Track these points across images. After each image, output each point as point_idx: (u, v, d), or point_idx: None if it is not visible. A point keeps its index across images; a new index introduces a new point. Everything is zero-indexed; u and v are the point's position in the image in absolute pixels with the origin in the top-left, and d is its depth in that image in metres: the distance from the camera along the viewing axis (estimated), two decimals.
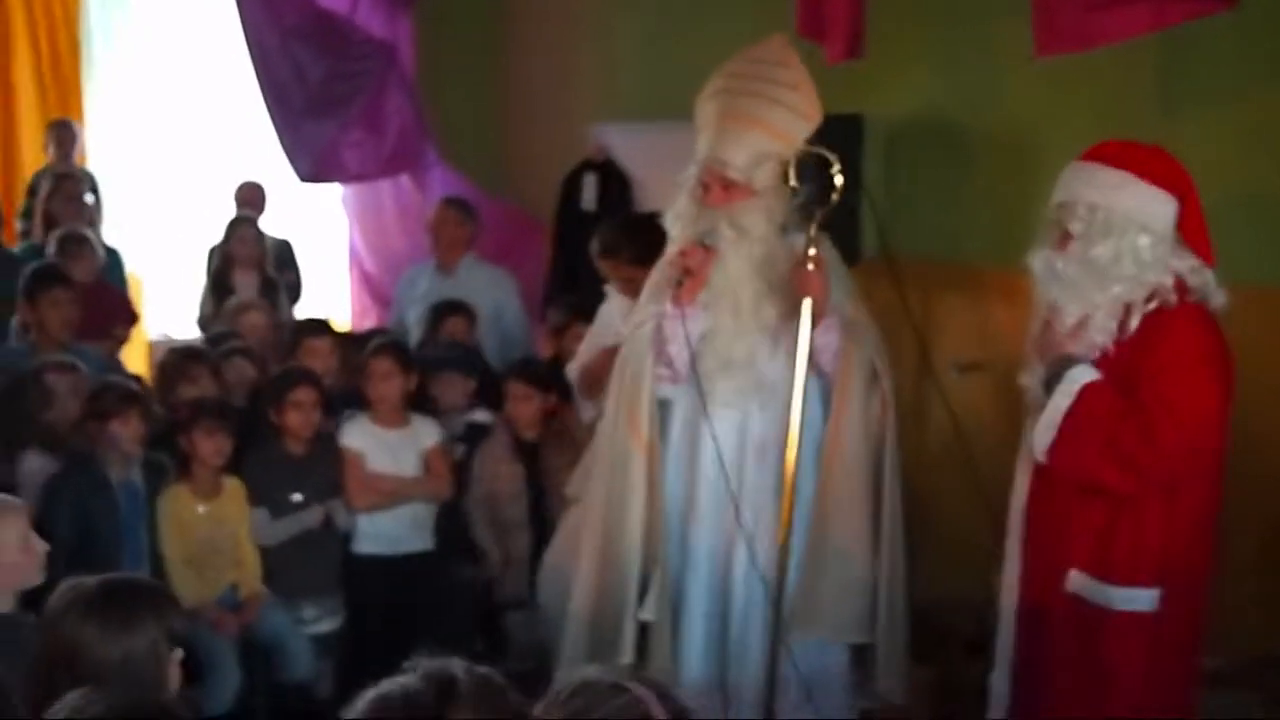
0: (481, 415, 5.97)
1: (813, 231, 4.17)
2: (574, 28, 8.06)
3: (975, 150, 5.61)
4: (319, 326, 6.39)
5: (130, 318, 7.51)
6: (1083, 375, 3.54)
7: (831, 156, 4.12)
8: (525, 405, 5.68)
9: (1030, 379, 3.71)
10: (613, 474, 4.41)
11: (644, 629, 4.43)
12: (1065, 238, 3.60)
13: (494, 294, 7.00)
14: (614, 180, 7.49)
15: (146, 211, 9.41)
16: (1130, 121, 4.74)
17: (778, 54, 4.45)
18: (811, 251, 4.15)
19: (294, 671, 5.16)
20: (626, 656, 4.46)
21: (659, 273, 4.55)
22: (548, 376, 5.72)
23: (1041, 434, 3.59)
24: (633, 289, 5.01)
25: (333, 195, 8.96)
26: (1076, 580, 3.63)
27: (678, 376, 4.38)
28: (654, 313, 4.39)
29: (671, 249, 4.46)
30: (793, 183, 4.18)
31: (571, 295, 6.43)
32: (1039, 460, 3.63)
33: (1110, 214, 3.53)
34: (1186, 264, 3.55)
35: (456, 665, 2.09)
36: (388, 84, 8.30)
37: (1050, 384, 3.59)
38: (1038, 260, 3.65)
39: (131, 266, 8.14)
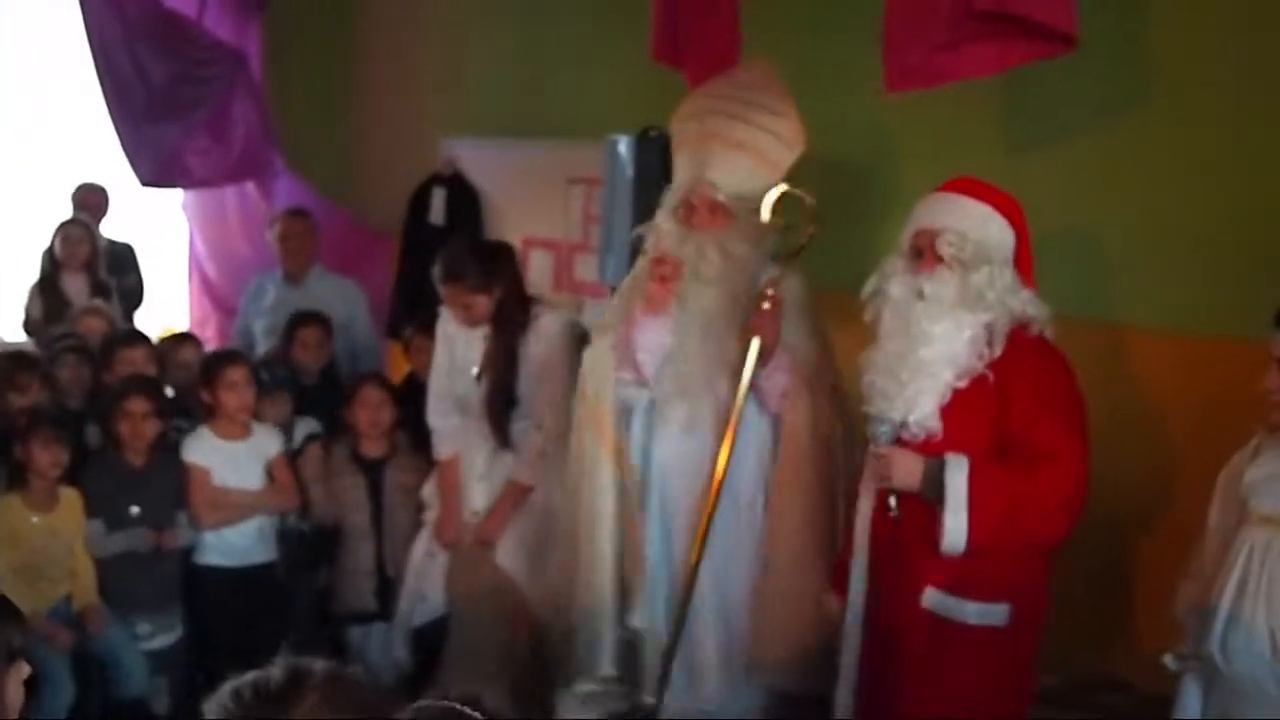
0: (306, 425, 5.90)
1: (774, 272, 4.22)
2: (425, 41, 8.03)
3: (832, 180, 5.72)
4: (134, 337, 6.26)
5: None
6: (959, 469, 3.67)
7: (809, 197, 4.19)
8: (379, 412, 5.64)
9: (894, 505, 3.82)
10: (582, 482, 4.52)
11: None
12: (929, 261, 3.74)
13: (343, 305, 6.96)
14: (463, 195, 7.48)
15: None
16: (973, 156, 4.87)
17: (761, 79, 4.52)
18: (770, 292, 4.21)
19: (129, 687, 5.07)
20: (606, 668, 4.48)
21: (629, 284, 4.58)
22: (399, 390, 5.69)
23: (955, 542, 3.67)
24: (470, 316, 5.02)
25: (173, 199, 8.79)
26: (932, 597, 3.75)
27: (643, 380, 4.43)
28: (619, 324, 4.46)
29: (642, 262, 4.49)
30: (765, 218, 4.24)
31: (419, 310, 6.40)
32: (954, 552, 3.69)
33: (980, 245, 3.71)
34: (1027, 297, 3.76)
35: (317, 662, 2.12)
36: (235, 90, 8.18)
37: (934, 489, 3.70)
38: (895, 284, 3.77)
39: None
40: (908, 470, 3.74)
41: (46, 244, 7.65)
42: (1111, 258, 4.82)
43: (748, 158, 4.36)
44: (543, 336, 5.05)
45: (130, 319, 7.78)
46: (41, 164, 9.28)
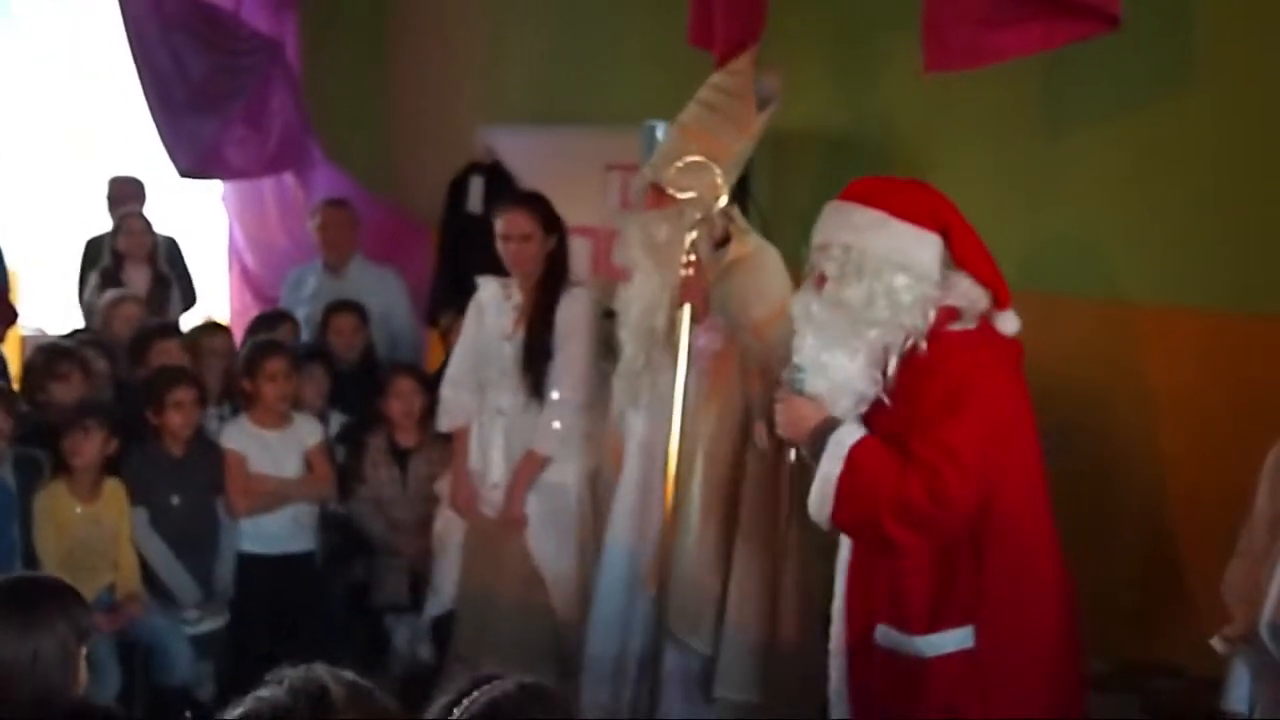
0: (339, 417, 5.93)
1: (691, 236, 4.26)
2: (462, 28, 8.03)
3: (862, 161, 5.69)
4: (167, 329, 6.31)
5: (10, 314, 7.36)
6: (848, 436, 3.42)
7: (713, 165, 4.21)
8: (411, 401, 5.64)
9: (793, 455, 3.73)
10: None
11: None
12: (822, 280, 3.50)
13: (382, 295, 6.99)
14: (501, 183, 7.46)
15: (20, 204, 9.20)
16: (1015, 136, 4.84)
17: (742, 65, 4.61)
18: (689, 258, 4.25)
19: (174, 673, 5.09)
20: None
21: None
22: (432, 378, 5.68)
23: (817, 502, 3.46)
24: (522, 252, 5.09)
25: (211, 191, 8.82)
26: (884, 634, 3.53)
27: None
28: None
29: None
30: (675, 192, 4.32)
31: (458, 298, 6.40)
32: (818, 520, 3.50)
33: (864, 255, 3.41)
34: (959, 289, 3.44)
35: (322, 673, 2.05)
36: (273, 81, 8.18)
37: (817, 451, 3.46)
38: (796, 304, 3.56)
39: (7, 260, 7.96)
40: (802, 418, 3.49)
41: (93, 233, 7.69)
42: (1150, 239, 4.78)
43: (695, 144, 4.41)
44: (572, 306, 5.10)
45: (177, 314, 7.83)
46: (77, 157, 9.35)
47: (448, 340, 6.28)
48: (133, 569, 5.15)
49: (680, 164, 4.29)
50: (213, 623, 5.32)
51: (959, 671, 3.43)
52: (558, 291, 5.12)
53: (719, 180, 4.24)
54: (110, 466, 5.15)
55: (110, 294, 6.69)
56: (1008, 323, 3.49)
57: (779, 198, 5.79)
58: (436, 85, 8.19)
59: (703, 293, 4.34)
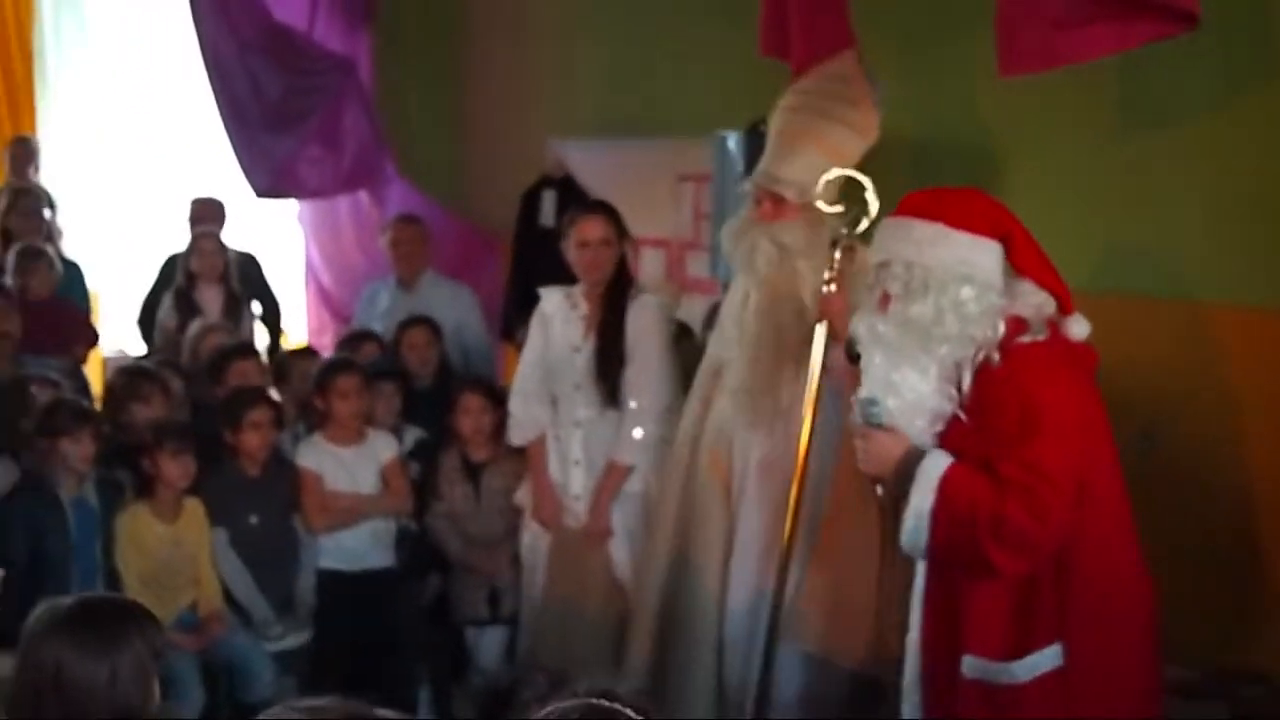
0: (414, 433, 5.92)
1: (836, 254, 4.19)
2: (532, 43, 8.05)
3: (941, 166, 5.63)
4: (246, 349, 6.37)
5: (92, 336, 7.47)
6: (935, 467, 3.34)
7: (865, 180, 4.12)
8: (480, 418, 5.62)
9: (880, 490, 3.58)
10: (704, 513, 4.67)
11: None
12: (886, 299, 3.42)
13: (455, 309, 7.02)
14: (573, 196, 7.45)
15: (102, 227, 9.33)
16: (1088, 137, 4.77)
17: (846, 69, 4.53)
18: (828, 274, 4.19)
19: (257, 690, 5.11)
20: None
21: None
22: (501, 392, 5.68)
23: (912, 536, 3.38)
24: (597, 258, 5.11)
25: (288, 210, 8.90)
26: (973, 666, 3.42)
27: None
28: None
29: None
30: (823, 206, 4.21)
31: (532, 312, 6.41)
32: (913, 553, 3.43)
33: (928, 270, 3.34)
34: (1028, 301, 3.38)
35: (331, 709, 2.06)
36: (346, 99, 8.25)
37: (904, 484, 3.38)
38: (860, 324, 3.48)
39: (90, 282, 8.08)
40: (885, 452, 3.40)
41: (170, 257, 7.77)
42: (1232, 240, 4.70)
43: (813, 147, 4.35)
44: (642, 313, 5.09)
45: (276, 340, 7.93)
46: (158, 178, 9.47)
47: (520, 349, 6.27)
48: (214, 588, 5.19)
49: (829, 176, 4.21)
50: (295, 639, 5.35)
51: (1051, 690, 3.36)
52: (627, 299, 5.12)
53: (871, 196, 4.15)
54: (190, 487, 5.19)
55: (196, 325, 6.76)
56: (1077, 327, 3.43)
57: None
58: (507, 99, 8.21)
59: (844, 311, 4.21)
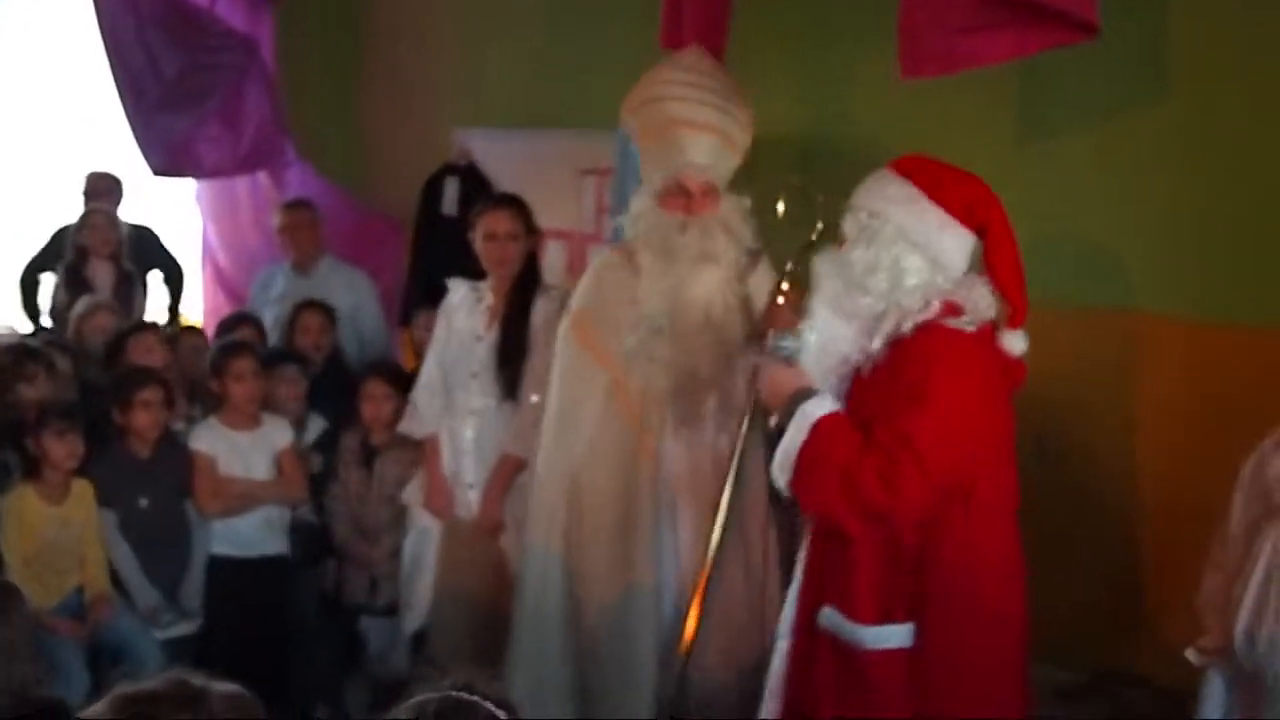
0: (318, 423, 5.87)
1: (789, 266, 4.18)
2: (440, 30, 7.99)
3: (833, 168, 5.67)
4: (143, 325, 6.28)
5: None
6: (817, 409, 3.39)
7: (818, 193, 4.14)
8: (383, 405, 5.58)
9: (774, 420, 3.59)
10: (624, 491, 4.42)
11: None
12: (844, 242, 3.52)
13: (352, 295, 6.97)
14: (476, 185, 7.43)
15: None
16: (990, 144, 4.83)
17: (708, 66, 4.54)
18: (785, 286, 4.18)
19: (143, 675, 5.02)
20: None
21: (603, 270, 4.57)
22: (405, 379, 5.65)
23: (778, 469, 3.45)
24: (505, 252, 5.12)
25: (186, 189, 8.77)
26: (828, 617, 3.49)
27: None
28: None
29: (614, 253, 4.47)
30: (780, 212, 4.20)
31: (432, 300, 6.38)
32: (782, 491, 3.50)
33: (883, 223, 3.40)
34: (975, 292, 3.41)
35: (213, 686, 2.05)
36: (247, 79, 8.13)
37: (786, 417, 3.44)
38: (819, 260, 3.57)
39: None
40: (782, 383, 3.49)
41: (59, 230, 7.63)
42: (1128, 248, 4.78)
43: (717, 140, 4.35)
44: (549, 307, 5.05)
45: (178, 302, 7.91)
46: (51, 154, 9.30)
47: (416, 341, 6.25)
48: (101, 570, 5.12)
49: (789, 184, 4.20)
50: (185, 627, 5.28)
51: (897, 667, 3.39)
52: (534, 292, 5.12)
53: (822, 202, 4.11)
54: (79, 468, 5.10)
55: (83, 302, 6.63)
56: (1013, 341, 3.46)
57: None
58: (413, 86, 8.15)
59: (791, 322, 4.23)
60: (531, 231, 5.22)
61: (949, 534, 3.35)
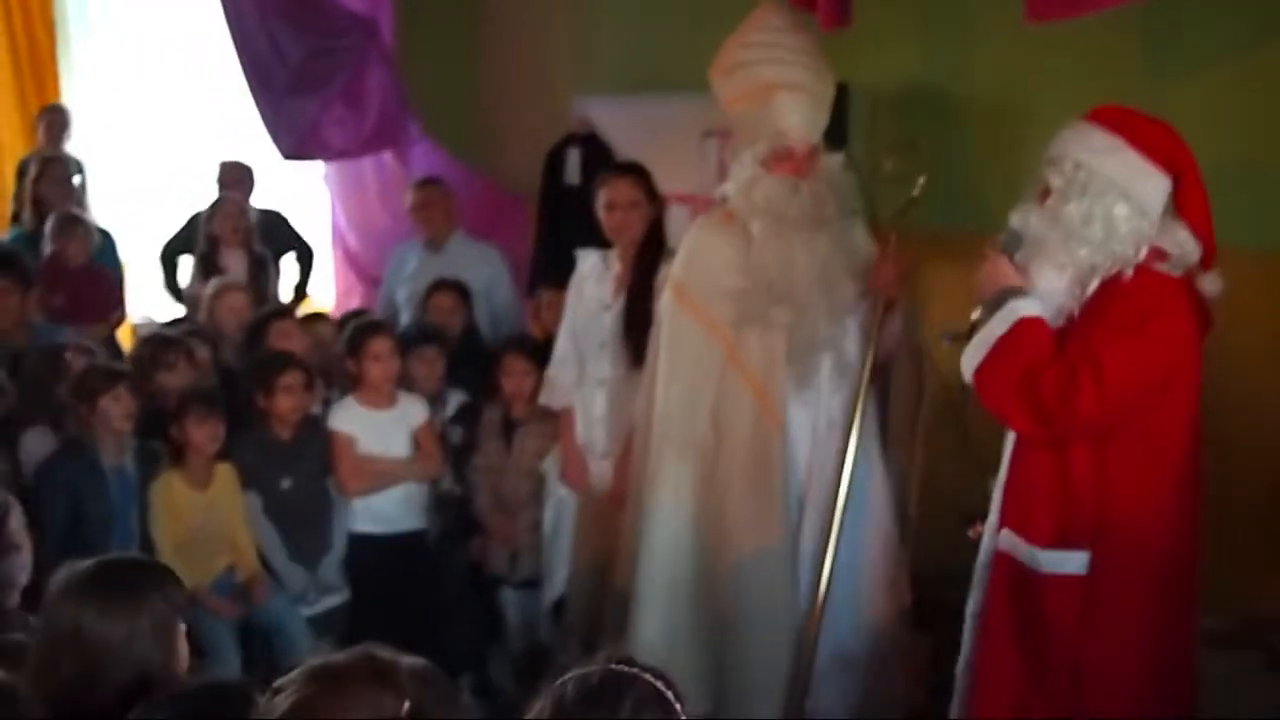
0: (457, 396, 5.94)
1: (896, 218, 4.30)
2: (555, 1, 8.01)
3: (961, 118, 5.59)
4: (283, 311, 6.42)
5: (123, 307, 7.54)
6: (1025, 307, 3.52)
7: (920, 152, 4.17)
8: (523, 380, 5.64)
9: (977, 313, 3.69)
10: (752, 460, 4.44)
11: None
12: (1046, 193, 3.60)
13: (485, 270, 7.02)
14: (598, 154, 7.43)
15: (129, 194, 9.36)
16: (1116, 85, 4.72)
17: (790, 23, 4.54)
18: (891, 246, 4.33)
19: (294, 654, 5.13)
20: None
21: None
22: (542, 353, 5.69)
23: (972, 353, 3.59)
24: (629, 219, 5.14)
25: (315, 172, 8.90)
26: (1006, 539, 3.64)
27: None
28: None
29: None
30: (888, 168, 4.34)
31: (559, 269, 6.42)
32: (966, 378, 3.63)
33: (1092, 175, 3.50)
34: (1176, 237, 3.51)
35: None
36: (368, 60, 8.21)
37: (992, 309, 3.58)
38: (1016, 214, 3.65)
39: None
40: (999, 275, 3.59)
41: (193, 216, 7.80)
42: (1258, 185, 4.65)
43: (812, 99, 4.39)
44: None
45: (306, 281, 8.07)
46: (183, 144, 9.48)
47: (541, 318, 6.28)
48: (251, 552, 5.23)
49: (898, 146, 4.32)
50: (330, 600, 5.39)
51: (1069, 596, 3.51)
52: (659, 259, 5.11)
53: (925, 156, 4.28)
54: (222, 453, 5.22)
55: (213, 284, 6.75)
56: (1210, 282, 3.56)
57: (877, 158, 5.72)
58: (531, 57, 8.18)
59: (894, 283, 4.34)
60: (653, 198, 5.21)
61: (1122, 465, 3.48)
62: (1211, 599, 3.88)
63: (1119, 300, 3.45)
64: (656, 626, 4.48)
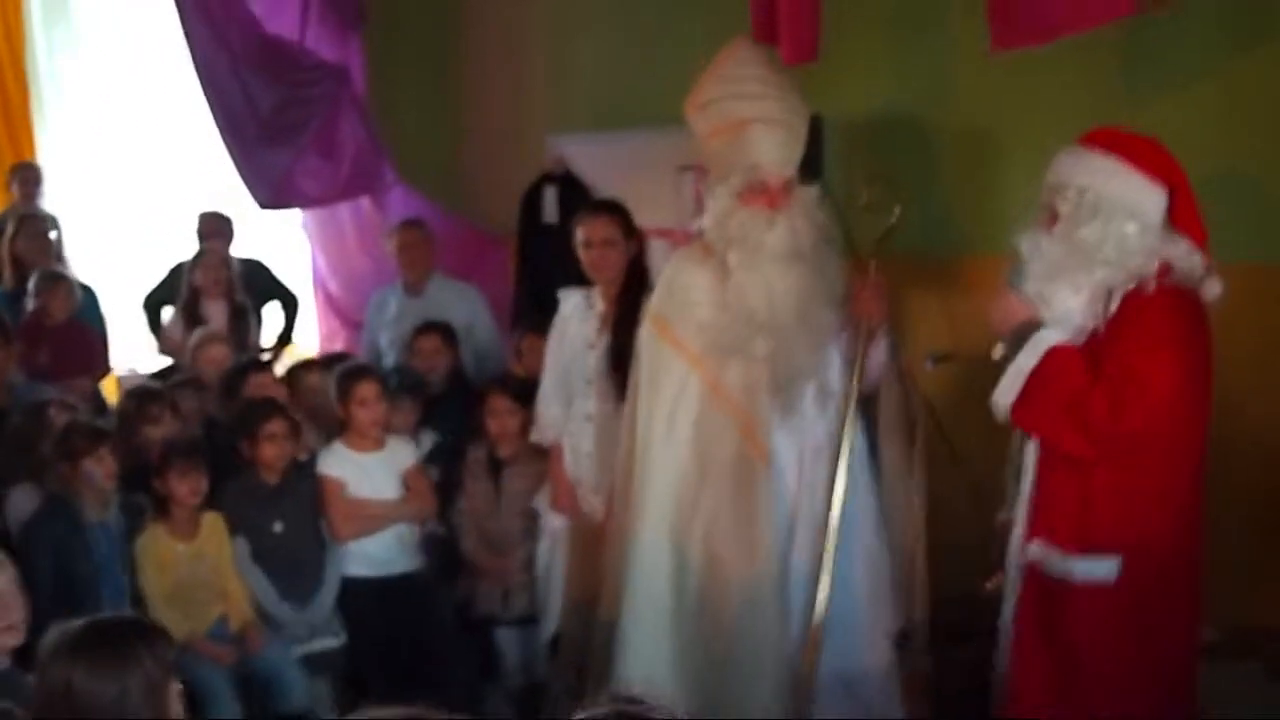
0: (429, 437, 5.96)
1: (873, 252, 4.29)
2: (526, 40, 8.05)
3: (936, 144, 5.64)
4: (260, 364, 6.47)
5: (106, 363, 7.52)
6: (1050, 337, 3.64)
7: (897, 182, 4.22)
8: (508, 420, 5.66)
9: (999, 350, 3.78)
10: (736, 491, 4.43)
11: None
12: (1053, 219, 3.69)
13: (464, 310, 7.05)
14: (574, 191, 7.47)
15: (106, 247, 9.36)
16: (1093, 107, 4.77)
17: (763, 57, 4.58)
18: (873, 272, 4.34)
19: (291, 701, 5.13)
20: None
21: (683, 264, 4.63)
22: (526, 391, 5.70)
23: (1004, 391, 3.68)
24: (607, 258, 5.16)
25: (294, 219, 8.90)
26: (1035, 550, 3.72)
27: None
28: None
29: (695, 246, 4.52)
30: (865, 200, 4.37)
31: (541, 307, 6.43)
32: (999, 414, 3.72)
33: (1099, 198, 3.61)
34: (1178, 250, 3.62)
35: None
36: (340, 107, 8.24)
37: (1017, 345, 3.67)
38: (1025, 241, 3.75)
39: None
40: (1012, 311, 3.74)
41: (177, 266, 7.79)
42: (1240, 198, 4.69)
43: (787, 133, 4.39)
44: None
45: (291, 328, 8.06)
46: (160, 196, 9.48)
47: (523, 358, 6.29)
48: (243, 600, 5.21)
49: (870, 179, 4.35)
50: (323, 642, 5.36)
51: (1099, 606, 3.62)
52: (641, 296, 5.12)
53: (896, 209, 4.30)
54: (207, 501, 5.20)
55: (195, 335, 6.76)
56: (1212, 287, 3.66)
57: (852, 188, 5.75)
58: (503, 98, 8.22)
59: (883, 312, 4.38)
60: (630, 235, 5.22)
61: (1146, 477, 3.60)
62: (1208, 610, 3.90)
63: (1146, 314, 3.56)
64: (643, 657, 4.46)
